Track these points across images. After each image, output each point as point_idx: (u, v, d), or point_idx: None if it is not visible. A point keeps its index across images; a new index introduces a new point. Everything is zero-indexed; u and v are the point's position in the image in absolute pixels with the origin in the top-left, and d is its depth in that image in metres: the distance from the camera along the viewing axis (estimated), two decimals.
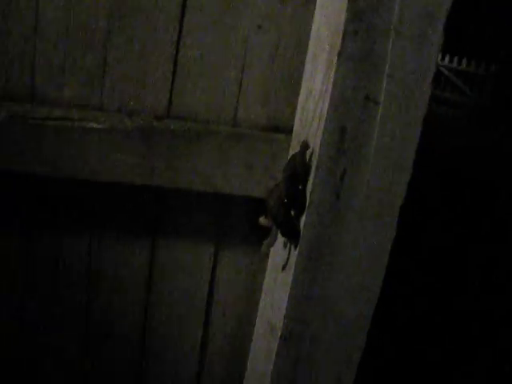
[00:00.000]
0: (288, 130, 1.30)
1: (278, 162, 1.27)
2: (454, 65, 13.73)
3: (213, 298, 1.44)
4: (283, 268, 1.24)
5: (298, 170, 1.14)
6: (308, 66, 1.22)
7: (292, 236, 1.17)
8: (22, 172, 1.24)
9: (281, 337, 1.23)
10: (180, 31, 1.23)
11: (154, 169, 1.25)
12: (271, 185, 1.28)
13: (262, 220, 1.19)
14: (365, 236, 1.18)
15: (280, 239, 1.25)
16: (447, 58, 13.78)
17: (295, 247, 1.18)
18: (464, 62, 13.66)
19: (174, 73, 1.25)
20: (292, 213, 1.17)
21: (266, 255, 1.40)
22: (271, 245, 1.22)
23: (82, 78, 1.24)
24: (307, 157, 1.14)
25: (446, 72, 13.58)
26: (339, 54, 1.06)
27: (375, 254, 1.19)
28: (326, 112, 1.09)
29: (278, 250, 1.29)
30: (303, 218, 1.15)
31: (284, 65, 1.27)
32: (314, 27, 1.23)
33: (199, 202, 1.36)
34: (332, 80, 1.08)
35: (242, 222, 1.39)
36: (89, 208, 1.34)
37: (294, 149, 1.24)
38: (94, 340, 1.45)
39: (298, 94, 1.27)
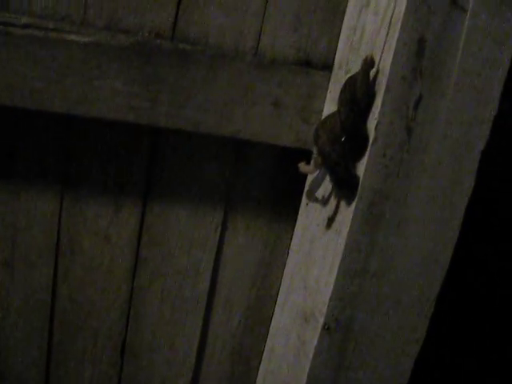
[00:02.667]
0: (323, 65, 1.02)
1: (313, 103, 0.99)
2: None
3: (216, 281, 1.12)
4: (328, 226, 0.94)
5: (358, 96, 0.86)
6: None
7: (348, 185, 0.88)
8: None
9: (324, 326, 0.92)
10: None
11: (154, 102, 0.94)
12: (304, 131, 0.99)
13: (303, 166, 0.90)
14: (440, 187, 0.90)
15: (320, 190, 0.96)
16: None
17: (349, 201, 0.89)
18: None
19: None
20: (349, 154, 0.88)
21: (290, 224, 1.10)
22: (311, 196, 0.92)
23: None
24: (371, 78, 0.86)
25: None
26: None
27: (450, 213, 0.92)
28: (400, 18, 0.82)
29: (313, 211, 0.99)
30: (364, 161, 0.87)
31: None
32: None
33: (209, 151, 1.05)
34: None
35: (262, 180, 1.08)
36: (59, 153, 1.01)
37: (338, 83, 0.96)
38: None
39: (341, 14, 0.99)
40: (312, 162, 0.94)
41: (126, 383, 1.15)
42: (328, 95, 0.99)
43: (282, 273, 1.12)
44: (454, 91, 0.86)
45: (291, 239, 1.11)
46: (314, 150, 0.90)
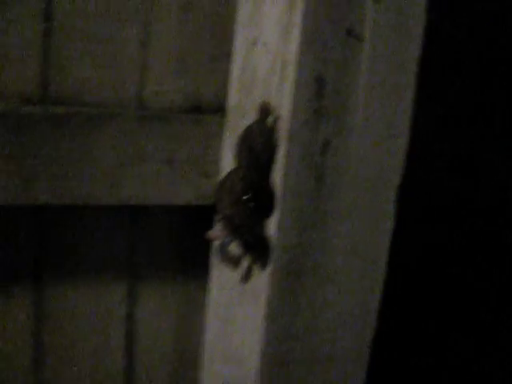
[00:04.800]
0: (214, 109, 0.92)
1: (210, 153, 0.89)
2: None
3: (132, 356, 1.01)
4: (244, 290, 0.84)
5: (257, 149, 0.77)
6: (246, 4, 0.85)
7: (257, 248, 0.79)
8: None
9: None
10: None
11: (30, 178, 0.81)
12: (204, 184, 0.89)
13: (210, 233, 0.80)
14: (359, 232, 0.83)
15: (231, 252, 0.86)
16: None
17: (263, 265, 0.80)
18: None
19: (46, 34, 0.83)
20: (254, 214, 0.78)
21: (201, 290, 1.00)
22: (223, 259, 0.82)
23: None
24: (269, 127, 0.77)
25: None
26: None
27: (374, 253, 0.85)
28: (294, 57, 0.74)
29: (227, 272, 0.89)
30: (274, 219, 0.78)
31: (204, 13, 0.89)
32: None
33: (102, 221, 0.93)
34: (301, 10, 0.73)
35: (168, 241, 0.98)
36: None
37: (234, 129, 0.86)
38: None
39: (228, 53, 0.90)
40: (216, 226, 0.84)
41: None
42: (224, 142, 0.89)
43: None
44: (362, 127, 0.79)
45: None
46: (217, 214, 0.80)
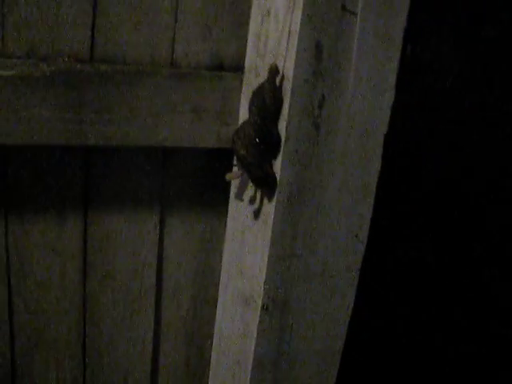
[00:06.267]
0: (235, 67, 1.10)
1: (230, 105, 1.07)
2: None
3: (162, 277, 1.22)
4: (256, 218, 1.04)
5: (267, 102, 0.95)
6: None
7: (266, 183, 0.97)
8: None
9: (262, 307, 1.03)
10: None
11: (81, 123, 1.00)
12: (224, 132, 1.08)
13: (228, 175, 1.00)
14: (350, 172, 1.01)
15: (246, 188, 1.05)
16: None
17: (270, 196, 0.98)
18: None
19: (94, 2, 1.01)
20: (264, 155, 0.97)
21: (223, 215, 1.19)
22: (239, 195, 1.02)
23: None
24: (277, 85, 0.95)
25: None
26: None
27: (363, 193, 1.03)
28: (297, 27, 0.91)
29: (242, 204, 1.09)
30: (279, 159, 0.96)
31: None
32: None
33: (139, 161, 1.13)
34: None
35: (193, 179, 1.17)
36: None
37: (250, 85, 1.04)
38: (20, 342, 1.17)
39: (247, 21, 1.07)
40: (234, 168, 1.03)
41: (90, 382, 1.24)
42: (242, 96, 1.07)
43: (221, 260, 1.22)
44: (353, 87, 0.96)
45: (225, 229, 1.20)
46: (235, 158, 1.00)
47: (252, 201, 1.03)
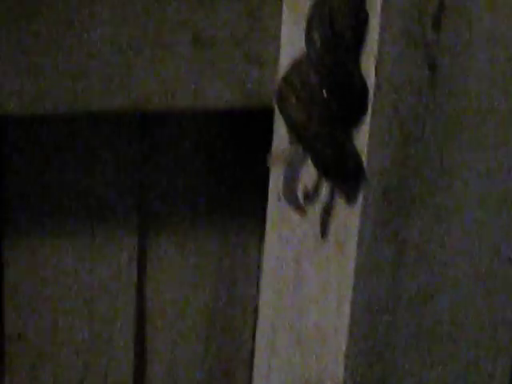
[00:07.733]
0: None
1: (263, 29, 0.63)
2: None
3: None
4: (324, 236, 0.58)
5: (339, 20, 0.51)
6: None
7: (342, 171, 0.53)
8: None
9: None
10: None
11: None
12: (254, 80, 0.65)
13: (273, 157, 0.56)
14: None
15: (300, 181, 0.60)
16: None
17: (351, 196, 0.54)
18: None
19: None
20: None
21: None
22: (287, 191, 0.57)
23: None
24: None
25: None
26: None
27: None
28: None
29: (293, 213, 0.63)
30: (366, 125, 0.52)
31: None
32: None
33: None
34: None
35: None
36: None
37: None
38: None
39: None
40: (275, 148, 0.59)
41: None
42: (285, 11, 0.62)
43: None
44: None
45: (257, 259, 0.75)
46: (284, 121, 0.55)
47: (314, 204, 0.58)
